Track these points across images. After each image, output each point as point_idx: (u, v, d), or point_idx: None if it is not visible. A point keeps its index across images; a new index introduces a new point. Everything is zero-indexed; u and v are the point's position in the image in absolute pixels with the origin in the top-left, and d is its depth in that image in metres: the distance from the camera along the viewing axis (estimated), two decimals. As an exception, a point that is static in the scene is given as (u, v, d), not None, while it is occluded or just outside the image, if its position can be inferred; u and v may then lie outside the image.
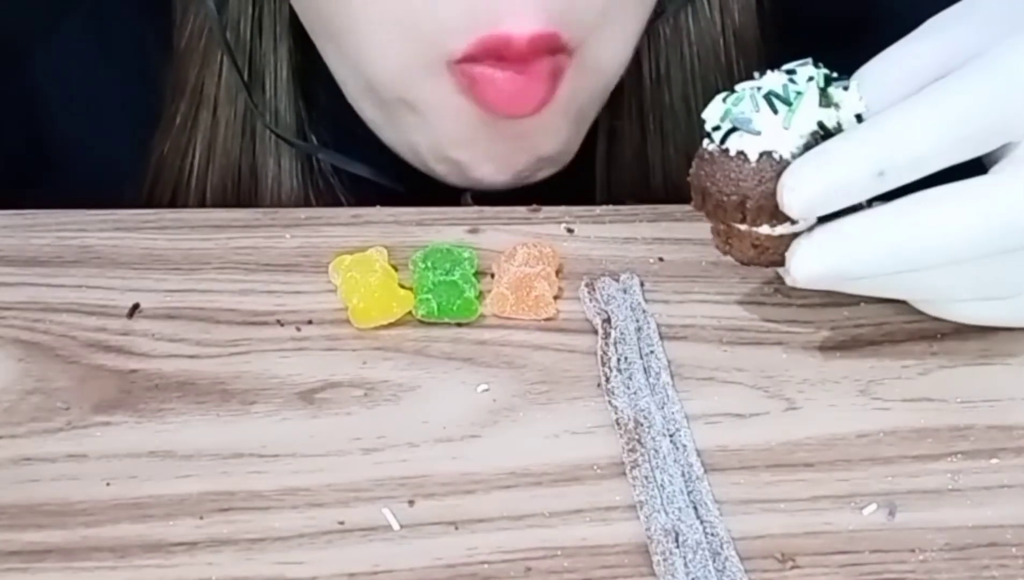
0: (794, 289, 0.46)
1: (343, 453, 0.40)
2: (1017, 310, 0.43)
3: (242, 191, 0.55)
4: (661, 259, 0.47)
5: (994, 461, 0.40)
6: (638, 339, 0.44)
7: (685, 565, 0.36)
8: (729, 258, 0.46)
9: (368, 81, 0.49)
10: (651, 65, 0.55)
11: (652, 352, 0.43)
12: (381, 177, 0.55)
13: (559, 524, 0.38)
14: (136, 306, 0.45)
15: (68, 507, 0.38)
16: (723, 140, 0.40)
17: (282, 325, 0.44)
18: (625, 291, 0.46)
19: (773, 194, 0.39)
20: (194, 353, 0.43)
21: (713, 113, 0.41)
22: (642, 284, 0.46)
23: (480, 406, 0.42)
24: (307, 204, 0.55)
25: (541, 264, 0.46)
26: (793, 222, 0.40)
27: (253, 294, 0.46)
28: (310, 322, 0.45)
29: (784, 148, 0.39)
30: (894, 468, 0.40)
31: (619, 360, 0.43)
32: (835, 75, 0.41)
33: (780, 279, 0.46)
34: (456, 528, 0.38)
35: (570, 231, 0.49)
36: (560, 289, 0.46)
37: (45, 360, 0.43)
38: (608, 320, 0.44)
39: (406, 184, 0.54)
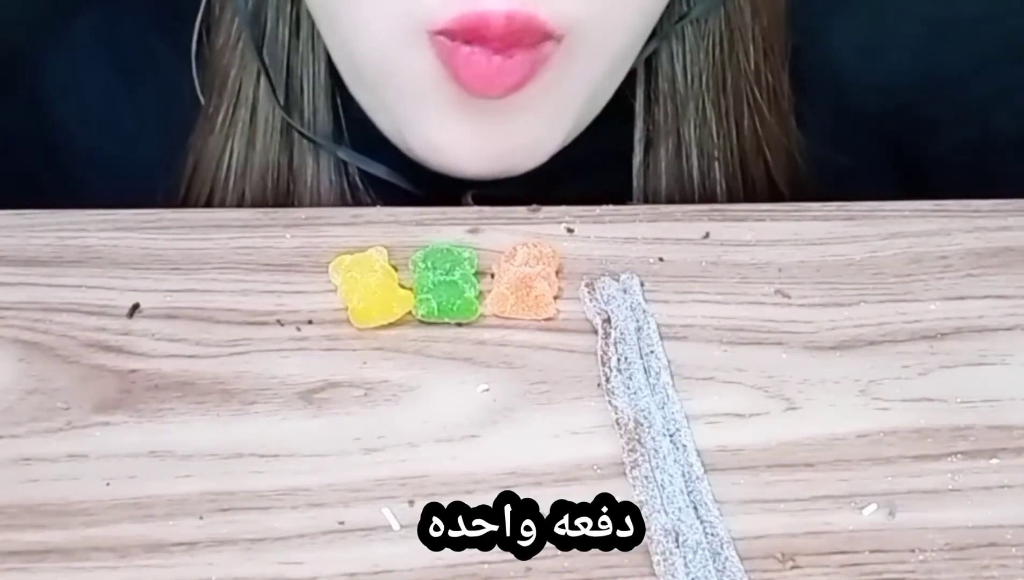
0: (794, 289, 0.46)
1: (343, 453, 0.40)
2: None
3: (280, 190, 0.55)
4: (661, 259, 0.47)
5: (994, 461, 0.40)
6: (638, 339, 0.44)
7: (685, 565, 0.36)
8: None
9: (355, 60, 0.49)
10: (682, 69, 0.55)
11: (652, 352, 0.43)
12: (396, 177, 0.54)
13: (559, 524, 0.38)
14: (136, 306, 0.45)
15: (68, 507, 0.38)
16: None
17: (282, 325, 0.44)
18: (625, 291, 0.46)
19: None
20: (194, 353, 0.43)
21: None
22: (642, 284, 0.46)
23: (480, 406, 0.42)
24: (344, 203, 0.55)
25: (541, 264, 0.46)
26: None
27: (253, 294, 0.46)
28: (310, 322, 0.44)
29: None
30: (894, 468, 0.40)
31: (619, 360, 0.43)
32: None
33: (780, 279, 0.46)
34: (456, 528, 0.38)
35: (570, 231, 0.49)
36: (560, 289, 0.46)
37: (45, 360, 0.43)
38: (608, 320, 0.44)
39: (423, 187, 0.54)
